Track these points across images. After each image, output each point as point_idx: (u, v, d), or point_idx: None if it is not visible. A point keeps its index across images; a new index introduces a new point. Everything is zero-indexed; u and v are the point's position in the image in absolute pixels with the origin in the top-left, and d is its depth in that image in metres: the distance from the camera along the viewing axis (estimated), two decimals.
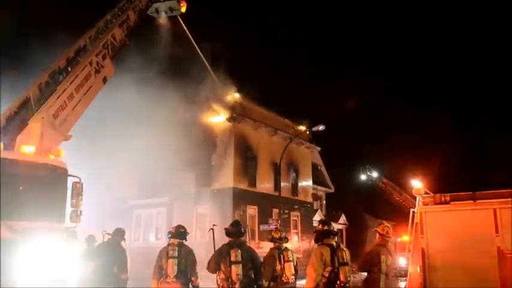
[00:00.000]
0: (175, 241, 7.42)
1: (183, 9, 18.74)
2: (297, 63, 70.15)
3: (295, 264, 8.41)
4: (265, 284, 7.68)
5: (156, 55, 20.41)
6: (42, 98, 9.63)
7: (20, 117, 9.14)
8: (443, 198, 9.51)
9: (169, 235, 7.56)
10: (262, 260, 8.02)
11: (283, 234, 8.63)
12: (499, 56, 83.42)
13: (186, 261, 7.25)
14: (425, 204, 9.66)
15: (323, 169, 39.25)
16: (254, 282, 6.90)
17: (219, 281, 6.86)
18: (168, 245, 7.42)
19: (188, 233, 7.71)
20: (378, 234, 7.68)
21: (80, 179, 8.55)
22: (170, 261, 7.15)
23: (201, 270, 7.31)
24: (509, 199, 8.67)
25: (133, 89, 18.86)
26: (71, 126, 10.27)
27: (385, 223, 7.99)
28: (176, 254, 7.21)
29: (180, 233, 7.51)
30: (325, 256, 6.08)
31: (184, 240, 7.50)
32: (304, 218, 30.51)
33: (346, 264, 6.12)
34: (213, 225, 8.04)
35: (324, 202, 39.14)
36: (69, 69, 10.90)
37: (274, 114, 28.94)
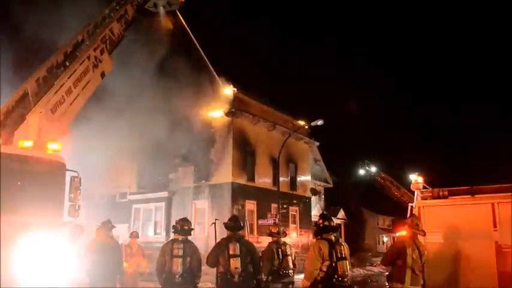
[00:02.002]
0: (180, 237, 7.20)
1: (182, 4, 18.69)
2: (297, 58, 70.04)
3: (293, 258, 8.43)
4: (264, 278, 7.68)
5: (154, 49, 20.38)
6: (40, 93, 9.60)
7: (17, 112, 9.12)
8: (441, 193, 9.51)
9: (173, 230, 7.34)
10: (260, 254, 8.03)
11: (282, 229, 8.65)
12: (501, 53, 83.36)
13: (192, 260, 7.05)
14: (423, 198, 9.67)
15: (322, 164, 39.24)
16: (253, 276, 6.88)
17: (218, 275, 6.84)
18: (172, 241, 7.20)
19: (193, 229, 7.51)
20: (406, 226, 7.17)
21: (78, 173, 8.54)
22: (175, 260, 6.93)
23: (201, 265, 7.27)
24: (508, 194, 8.68)
25: (131, 84, 18.81)
26: (69, 121, 10.24)
27: (415, 215, 7.73)
28: (181, 253, 6.97)
29: (184, 230, 7.29)
30: (324, 250, 6.06)
31: (188, 236, 7.33)
32: (303, 213, 30.54)
33: (344, 258, 6.09)
34: (215, 219, 8.03)
35: (323, 197, 39.17)
36: (67, 64, 10.88)
37: (273, 108, 28.89)
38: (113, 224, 9.56)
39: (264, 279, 7.68)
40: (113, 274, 9.16)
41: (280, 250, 8.23)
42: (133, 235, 12.47)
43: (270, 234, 8.53)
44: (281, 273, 8.11)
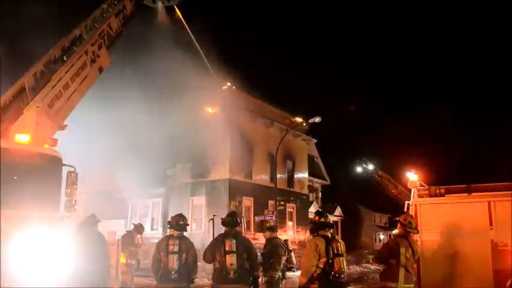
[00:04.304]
0: (175, 233, 7.15)
1: None
2: (295, 55, 69.98)
3: None
4: (279, 274, 7.71)
5: (152, 45, 20.34)
6: (37, 87, 9.56)
7: (14, 106, 9.08)
8: (438, 191, 9.52)
9: (169, 225, 7.29)
10: (265, 250, 8.03)
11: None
12: (500, 53, 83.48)
13: (187, 256, 7.01)
14: (420, 196, 9.68)
15: (319, 161, 39.31)
16: (249, 272, 6.87)
17: (213, 271, 6.83)
18: (168, 237, 7.15)
19: (188, 224, 7.46)
20: (399, 225, 7.10)
21: (74, 168, 8.51)
22: (171, 256, 6.89)
23: (198, 261, 7.26)
24: (504, 192, 8.70)
25: (128, 80, 18.78)
26: (66, 116, 10.22)
27: (409, 213, 7.69)
28: (177, 249, 6.93)
29: (180, 225, 7.24)
30: (320, 247, 6.08)
31: (184, 232, 7.27)
32: (300, 210, 30.58)
33: (341, 255, 6.12)
34: (213, 215, 8.01)
35: (320, 194, 39.24)
36: (65, 59, 10.83)
37: (271, 105, 28.89)
38: (98, 219, 9.35)
39: (278, 275, 7.69)
40: (100, 269, 8.96)
41: (286, 245, 8.27)
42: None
43: (270, 228, 8.46)
44: (292, 268, 8.16)
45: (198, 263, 7.27)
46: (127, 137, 22.24)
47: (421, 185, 10.00)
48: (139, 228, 12.03)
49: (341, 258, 6.12)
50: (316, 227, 6.37)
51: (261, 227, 8.66)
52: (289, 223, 29.14)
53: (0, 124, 8.55)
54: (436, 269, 8.83)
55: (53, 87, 9.67)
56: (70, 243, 8.98)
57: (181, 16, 21.60)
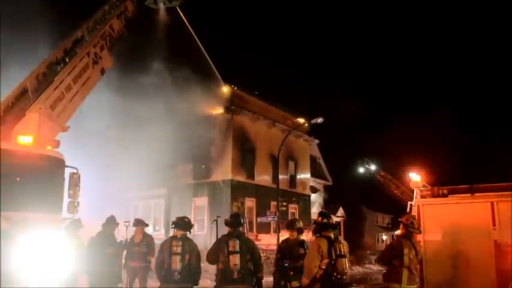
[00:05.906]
0: (179, 233, 7.15)
1: (182, 0, 18.66)
2: (297, 56, 70.04)
3: None
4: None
5: (153, 46, 20.35)
6: (39, 89, 9.58)
7: (17, 108, 9.10)
8: (441, 191, 9.51)
9: (173, 225, 7.28)
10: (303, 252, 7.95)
11: None
12: (502, 52, 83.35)
13: (191, 257, 7.00)
14: (423, 197, 9.67)
15: (321, 162, 39.23)
16: (253, 273, 6.86)
17: (217, 271, 6.82)
18: (171, 238, 7.16)
19: (193, 225, 7.48)
20: (401, 225, 7.07)
21: (77, 170, 8.52)
22: (174, 257, 6.89)
23: (201, 262, 7.25)
24: (507, 192, 8.68)
25: (130, 81, 18.79)
26: (68, 117, 10.23)
27: (410, 213, 7.65)
28: (180, 250, 6.93)
29: (184, 223, 7.25)
30: (323, 248, 6.07)
31: (188, 232, 7.26)
32: (302, 211, 30.53)
33: (343, 256, 6.11)
34: (217, 216, 8.00)
35: (322, 195, 39.17)
36: (67, 60, 10.84)
37: (273, 106, 28.85)
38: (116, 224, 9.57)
39: None
40: (111, 270, 9.08)
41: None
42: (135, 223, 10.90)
43: (300, 229, 8.22)
44: None
45: (202, 264, 7.26)
46: (129, 138, 22.26)
47: (424, 186, 9.98)
48: (139, 222, 10.43)
49: (344, 259, 6.10)
50: (319, 228, 6.36)
51: (289, 225, 8.39)
52: None
53: (3, 126, 8.58)
54: (439, 269, 8.82)
55: (55, 89, 9.69)
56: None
57: (183, 17, 21.65)
